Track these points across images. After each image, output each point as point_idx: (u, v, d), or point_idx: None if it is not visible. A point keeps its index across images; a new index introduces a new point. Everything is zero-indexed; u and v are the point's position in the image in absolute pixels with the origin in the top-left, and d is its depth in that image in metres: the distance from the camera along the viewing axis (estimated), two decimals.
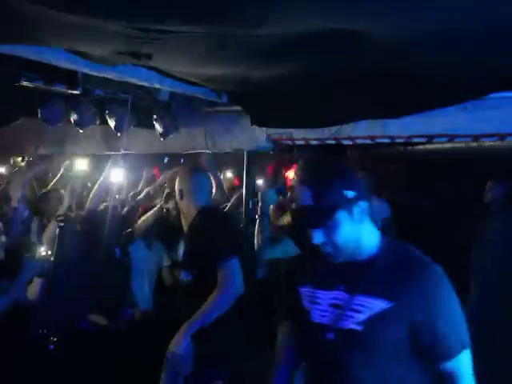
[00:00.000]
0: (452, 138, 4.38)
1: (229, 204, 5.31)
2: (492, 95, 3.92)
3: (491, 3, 2.35)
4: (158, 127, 4.90)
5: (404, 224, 6.10)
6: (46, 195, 4.91)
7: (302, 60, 3.54)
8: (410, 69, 3.55)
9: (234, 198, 5.41)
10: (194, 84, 4.39)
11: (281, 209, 5.10)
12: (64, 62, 3.56)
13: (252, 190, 5.15)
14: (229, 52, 3.25)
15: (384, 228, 5.57)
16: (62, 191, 4.82)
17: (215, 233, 3.19)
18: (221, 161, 6.07)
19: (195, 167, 3.78)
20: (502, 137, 4.24)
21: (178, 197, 3.40)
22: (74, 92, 4.22)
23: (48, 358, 3.63)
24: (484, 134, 4.23)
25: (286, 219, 4.75)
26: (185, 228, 3.40)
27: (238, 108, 4.92)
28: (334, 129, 4.65)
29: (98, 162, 6.33)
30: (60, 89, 4.14)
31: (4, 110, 4.39)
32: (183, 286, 3.29)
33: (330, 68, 3.66)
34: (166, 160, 6.98)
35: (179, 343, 2.96)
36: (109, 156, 6.27)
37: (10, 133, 6.50)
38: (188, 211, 3.35)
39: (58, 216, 3.97)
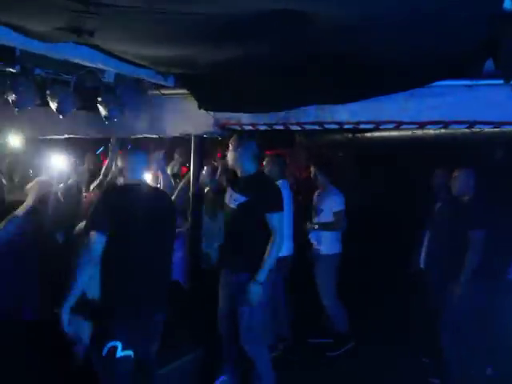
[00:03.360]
0: (398, 124, 4.44)
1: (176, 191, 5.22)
2: (437, 83, 3.98)
3: None
4: (103, 110, 4.73)
5: (353, 210, 6.18)
6: None
7: (249, 43, 3.49)
8: (357, 55, 3.56)
9: (181, 184, 5.31)
10: (139, 66, 4.27)
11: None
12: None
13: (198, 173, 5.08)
14: (170, 31, 3.16)
15: (337, 220, 5.63)
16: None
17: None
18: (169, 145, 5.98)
19: None
20: (446, 124, 4.32)
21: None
22: (12, 70, 4.02)
23: None
24: (429, 121, 4.30)
25: None
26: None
27: (186, 91, 4.82)
28: (282, 114, 4.63)
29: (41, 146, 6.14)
30: None
31: None
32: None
33: (278, 52, 3.62)
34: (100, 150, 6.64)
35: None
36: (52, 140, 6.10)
37: None
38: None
39: None
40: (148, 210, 3.51)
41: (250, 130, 4.91)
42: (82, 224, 4.40)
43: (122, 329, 3.29)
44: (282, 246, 4.29)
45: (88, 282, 4.56)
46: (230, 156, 4.41)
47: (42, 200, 4.23)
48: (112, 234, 3.30)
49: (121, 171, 3.73)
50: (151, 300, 3.48)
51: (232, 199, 4.36)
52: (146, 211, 3.49)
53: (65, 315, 3.19)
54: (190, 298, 5.02)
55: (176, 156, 6.42)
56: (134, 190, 3.57)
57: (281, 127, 4.83)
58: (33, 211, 4.02)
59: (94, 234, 3.26)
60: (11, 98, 4.14)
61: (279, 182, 5.07)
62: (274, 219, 4.17)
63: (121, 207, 3.43)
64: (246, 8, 2.72)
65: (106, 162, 5.66)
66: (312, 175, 6.03)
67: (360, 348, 5.75)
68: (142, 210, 3.47)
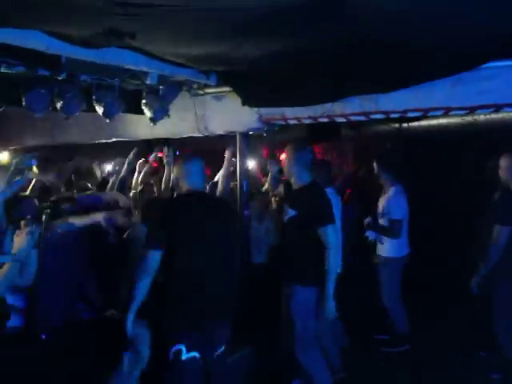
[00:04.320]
0: (447, 111, 4.30)
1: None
2: (486, 65, 3.84)
3: None
4: (148, 112, 4.78)
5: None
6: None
7: (290, 36, 3.45)
8: (400, 41, 3.46)
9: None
10: (181, 66, 4.29)
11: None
12: (46, 46, 3.45)
13: (244, 172, 5.07)
14: (210, 28, 3.15)
15: (392, 228, 5.44)
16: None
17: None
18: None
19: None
20: (498, 107, 4.15)
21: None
22: (59, 78, 4.10)
23: (41, 347, 3.57)
24: (479, 105, 4.14)
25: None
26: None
27: (228, 89, 4.81)
28: (326, 106, 4.56)
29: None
30: (43, 74, 4.03)
31: None
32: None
33: (319, 43, 3.57)
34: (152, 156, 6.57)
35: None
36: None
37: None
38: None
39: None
40: (209, 218, 3.52)
41: (308, 126, 4.83)
42: (134, 228, 4.50)
43: (186, 337, 3.36)
44: (338, 260, 4.29)
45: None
46: (284, 166, 4.40)
47: (90, 204, 4.34)
48: (174, 245, 3.34)
49: (178, 180, 3.70)
50: (216, 311, 3.49)
51: (284, 212, 4.35)
52: (207, 220, 3.50)
53: (129, 322, 3.33)
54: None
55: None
56: (194, 199, 3.57)
57: (325, 120, 4.75)
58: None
59: (152, 249, 3.32)
60: (59, 104, 4.23)
61: (326, 191, 4.98)
62: (326, 233, 4.09)
63: (181, 218, 3.44)
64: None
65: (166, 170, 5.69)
66: (375, 172, 5.78)
67: (418, 344, 5.60)
68: (204, 220, 3.48)
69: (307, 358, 4.26)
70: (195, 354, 3.34)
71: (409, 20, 3.03)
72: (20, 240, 3.16)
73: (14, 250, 3.14)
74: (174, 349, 3.32)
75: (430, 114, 4.44)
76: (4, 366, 3.24)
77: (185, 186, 3.61)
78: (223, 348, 3.57)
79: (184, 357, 3.30)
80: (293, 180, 4.36)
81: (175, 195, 3.69)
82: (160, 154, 6.19)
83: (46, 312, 3.82)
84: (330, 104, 4.51)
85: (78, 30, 3.21)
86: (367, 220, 5.61)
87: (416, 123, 7.11)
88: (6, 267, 3.09)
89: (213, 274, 3.46)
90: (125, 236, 4.57)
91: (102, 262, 4.44)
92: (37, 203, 4.18)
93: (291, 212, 4.24)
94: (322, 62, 4.01)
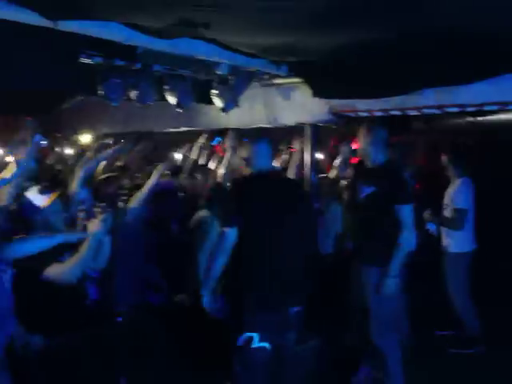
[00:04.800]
0: None
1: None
2: None
3: None
4: (218, 102, 4.83)
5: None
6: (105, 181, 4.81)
7: (363, 27, 3.38)
8: (478, 30, 3.32)
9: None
10: (252, 56, 4.30)
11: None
12: (123, 37, 3.54)
13: (313, 163, 5.04)
14: (284, 18, 3.13)
15: (455, 218, 5.24)
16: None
17: None
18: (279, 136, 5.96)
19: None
20: None
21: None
22: (133, 68, 4.21)
23: (116, 329, 3.68)
24: None
25: None
26: None
27: (298, 80, 4.78)
28: (398, 98, 4.45)
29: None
30: (119, 64, 4.14)
31: (64, 88, 4.45)
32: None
33: (392, 34, 3.48)
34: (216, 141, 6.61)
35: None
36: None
37: (73, 112, 6.67)
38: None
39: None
40: (280, 199, 3.46)
41: (379, 117, 4.74)
42: (199, 215, 4.57)
43: (257, 322, 3.33)
44: (412, 239, 4.14)
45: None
46: (359, 145, 4.30)
47: (159, 190, 4.42)
48: (244, 227, 3.31)
49: (246, 161, 3.62)
50: (287, 293, 3.44)
51: (359, 190, 4.25)
52: (277, 200, 3.44)
53: (206, 296, 3.38)
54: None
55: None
56: (263, 179, 3.52)
57: (397, 113, 4.64)
58: (150, 200, 4.20)
59: (227, 227, 3.31)
60: (133, 94, 4.33)
61: None
62: (403, 211, 3.99)
63: (251, 199, 3.42)
64: None
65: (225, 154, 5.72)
66: (444, 164, 5.64)
67: (491, 347, 5.38)
68: (274, 200, 3.43)
69: (385, 341, 4.13)
70: (265, 344, 3.35)
71: (489, 8, 2.90)
72: (94, 226, 3.26)
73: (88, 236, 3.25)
74: (245, 335, 3.33)
75: (510, 107, 4.25)
76: (86, 342, 3.39)
77: (253, 167, 3.57)
78: (295, 336, 3.55)
79: (254, 345, 3.31)
80: (368, 159, 4.25)
81: (244, 176, 3.64)
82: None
83: (118, 296, 3.94)
84: (403, 96, 4.40)
85: (154, 21, 3.27)
86: (426, 211, 5.46)
87: (493, 116, 6.82)
88: (80, 252, 3.21)
89: (284, 258, 3.42)
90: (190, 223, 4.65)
91: (167, 248, 4.50)
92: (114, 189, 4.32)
93: (367, 189, 4.13)
94: (396, 54, 3.91)
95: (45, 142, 4.34)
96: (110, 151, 5.04)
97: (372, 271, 4.08)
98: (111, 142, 6.06)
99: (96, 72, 4.22)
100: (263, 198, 3.42)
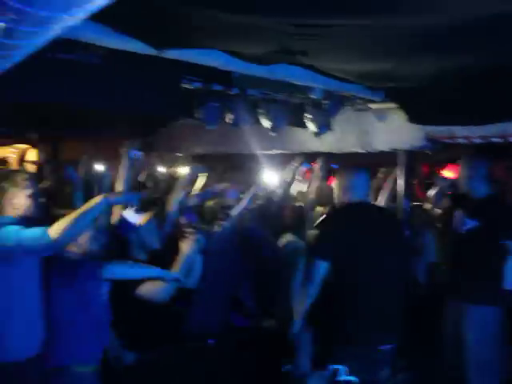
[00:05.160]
0: None
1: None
2: None
3: None
4: (311, 126, 4.84)
5: None
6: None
7: (462, 52, 3.28)
8: None
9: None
10: (347, 81, 4.27)
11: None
12: (220, 63, 3.63)
13: (408, 190, 4.92)
14: (382, 45, 3.09)
15: None
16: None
17: None
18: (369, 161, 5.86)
19: None
20: None
21: None
22: (230, 93, 4.31)
23: (209, 352, 3.73)
24: None
25: None
26: None
27: (393, 105, 4.70)
28: (501, 125, 4.26)
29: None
30: (216, 89, 4.26)
31: (167, 112, 4.63)
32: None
33: (494, 58, 3.35)
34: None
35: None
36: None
37: (171, 133, 6.91)
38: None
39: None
40: (377, 232, 3.42)
41: (478, 146, 4.58)
42: (286, 239, 4.56)
43: (347, 355, 3.26)
44: None
45: None
46: (460, 176, 4.18)
47: (252, 208, 4.44)
48: (340, 257, 3.28)
49: (343, 190, 3.58)
50: (381, 328, 3.36)
51: (461, 222, 4.10)
52: (375, 234, 3.40)
53: (296, 326, 3.36)
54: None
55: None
56: (360, 211, 3.48)
57: (499, 140, 4.44)
58: (240, 219, 4.23)
59: (318, 259, 3.29)
60: (229, 118, 4.43)
61: None
62: None
63: (349, 231, 3.37)
64: (466, 15, 2.55)
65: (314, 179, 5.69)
66: None
67: None
68: (372, 233, 3.39)
69: None
70: (353, 378, 3.26)
71: None
72: (186, 246, 3.33)
73: (180, 256, 3.32)
74: (332, 366, 3.26)
75: None
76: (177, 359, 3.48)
77: (349, 198, 3.51)
78: (388, 373, 3.45)
79: (341, 378, 3.24)
80: (470, 191, 4.11)
81: (339, 206, 3.59)
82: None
83: (206, 316, 3.99)
84: (506, 123, 4.21)
85: (254, 48, 3.33)
86: None
87: None
88: (173, 271, 3.28)
89: (381, 293, 3.34)
90: (280, 246, 4.64)
91: (258, 272, 4.51)
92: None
93: (470, 222, 3.98)
94: (498, 79, 3.76)
95: (140, 156, 4.46)
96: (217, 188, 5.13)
97: (473, 310, 3.89)
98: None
99: (194, 96, 4.36)
100: (361, 231, 3.37)
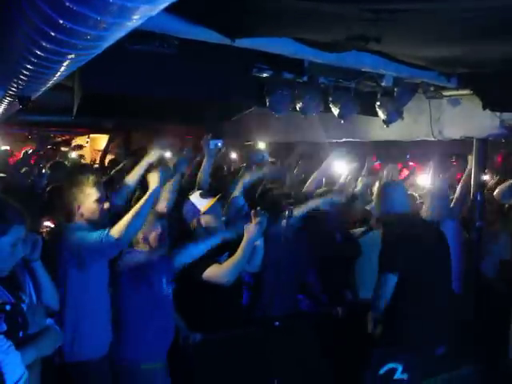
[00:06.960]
0: None
1: None
2: None
3: None
4: (382, 114, 4.77)
5: None
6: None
7: None
8: None
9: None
10: (419, 67, 4.19)
11: None
12: (293, 52, 3.66)
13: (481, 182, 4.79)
14: (461, 30, 3.01)
15: None
16: None
17: None
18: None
19: None
20: None
21: None
22: (300, 80, 4.32)
23: (273, 333, 3.79)
24: None
25: None
26: None
27: (467, 92, 4.57)
28: None
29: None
30: (286, 77, 4.29)
31: (239, 100, 4.72)
32: None
33: None
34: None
35: None
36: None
37: (242, 121, 7.01)
38: None
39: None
40: (429, 241, 3.61)
41: None
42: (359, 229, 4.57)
43: (404, 355, 3.44)
44: None
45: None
46: None
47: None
48: (406, 270, 3.45)
49: (389, 203, 3.76)
50: (435, 333, 3.53)
51: None
52: (429, 243, 3.59)
53: (373, 318, 3.63)
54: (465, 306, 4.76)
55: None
56: (411, 221, 3.70)
57: None
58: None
59: (389, 273, 3.45)
60: (299, 105, 4.45)
61: None
62: None
63: (411, 243, 3.52)
64: None
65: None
66: None
67: None
68: (427, 243, 3.57)
69: None
70: (406, 376, 3.36)
71: None
72: (249, 230, 3.41)
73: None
74: (389, 365, 3.34)
75: None
76: (242, 341, 3.61)
77: (397, 210, 3.68)
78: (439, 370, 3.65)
79: (396, 377, 3.33)
80: None
81: (391, 218, 3.71)
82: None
83: (270, 299, 4.04)
84: None
85: (325, 36, 3.33)
86: None
87: None
88: (237, 254, 3.37)
89: (435, 297, 3.53)
90: (355, 235, 4.64)
91: (329, 259, 4.50)
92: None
93: None
94: None
95: (221, 146, 4.62)
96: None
97: None
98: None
99: (264, 84, 4.41)
100: (420, 241, 3.56)
